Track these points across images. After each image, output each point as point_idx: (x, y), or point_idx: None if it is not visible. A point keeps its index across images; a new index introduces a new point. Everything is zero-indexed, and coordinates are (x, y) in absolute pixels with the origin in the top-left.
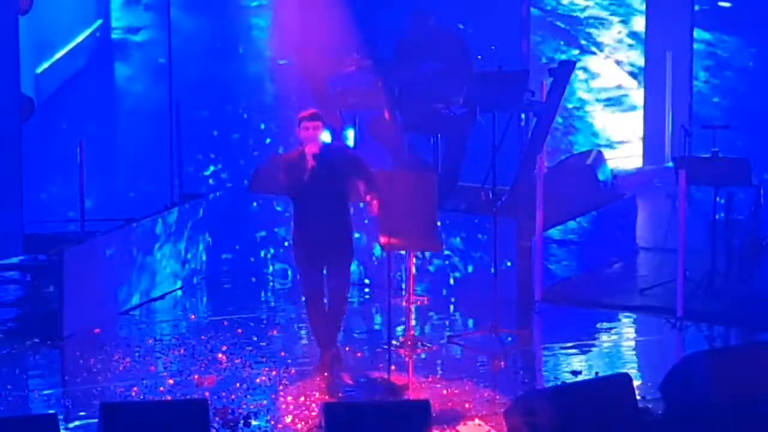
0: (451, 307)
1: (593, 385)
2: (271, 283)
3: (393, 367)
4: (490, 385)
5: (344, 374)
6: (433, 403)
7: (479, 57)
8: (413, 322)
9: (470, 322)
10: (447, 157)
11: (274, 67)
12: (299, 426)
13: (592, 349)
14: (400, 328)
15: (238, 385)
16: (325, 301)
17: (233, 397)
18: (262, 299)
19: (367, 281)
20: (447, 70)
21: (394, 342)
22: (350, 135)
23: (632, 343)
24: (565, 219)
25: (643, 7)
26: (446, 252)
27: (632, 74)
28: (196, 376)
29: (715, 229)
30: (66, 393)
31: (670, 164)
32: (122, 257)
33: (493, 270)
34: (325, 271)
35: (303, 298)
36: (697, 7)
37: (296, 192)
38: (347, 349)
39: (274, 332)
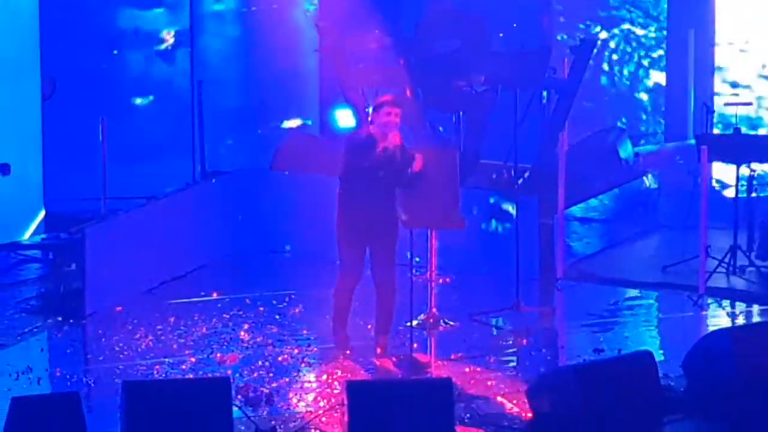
0: (473, 285)
1: (616, 362)
2: (293, 261)
3: (415, 345)
4: (512, 362)
5: (368, 355)
6: (455, 381)
7: (500, 35)
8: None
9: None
10: (469, 135)
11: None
12: (322, 404)
13: (615, 326)
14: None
15: (260, 363)
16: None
17: (255, 375)
18: (284, 277)
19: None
20: (466, 48)
21: (415, 320)
22: (371, 112)
23: (654, 321)
24: (587, 196)
25: None
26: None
27: None
28: (218, 355)
29: (737, 205)
30: (88, 371)
31: (693, 141)
32: (144, 235)
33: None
34: (369, 256)
35: (338, 276)
36: None
37: (354, 174)
38: (369, 327)
39: (297, 310)
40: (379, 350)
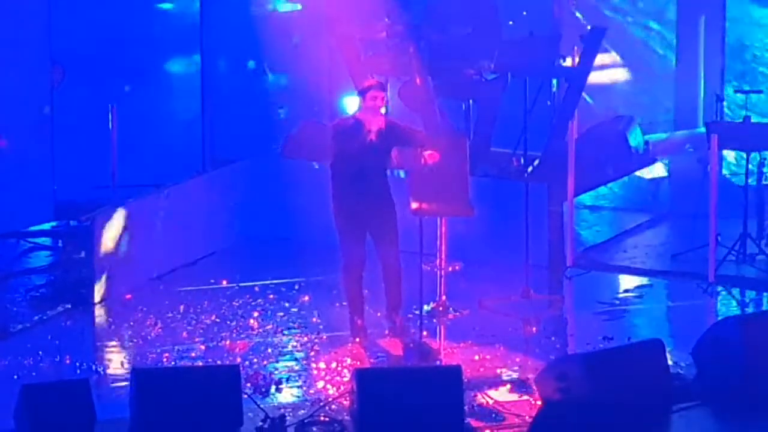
0: (483, 273)
1: (625, 350)
2: (302, 249)
3: (425, 333)
4: (521, 350)
5: (377, 340)
6: (464, 369)
7: (510, 23)
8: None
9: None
10: (478, 123)
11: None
12: (331, 391)
13: (624, 314)
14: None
15: (269, 350)
16: (365, 272)
17: (265, 362)
18: (294, 265)
19: None
20: (476, 36)
21: (425, 307)
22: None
23: (664, 309)
24: (597, 184)
25: None
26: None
27: None
28: (227, 342)
29: (746, 194)
30: (97, 359)
31: (702, 129)
32: (153, 223)
33: None
34: (372, 241)
35: (342, 265)
36: None
37: (344, 160)
38: (378, 314)
39: (306, 298)
40: (393, 328)
